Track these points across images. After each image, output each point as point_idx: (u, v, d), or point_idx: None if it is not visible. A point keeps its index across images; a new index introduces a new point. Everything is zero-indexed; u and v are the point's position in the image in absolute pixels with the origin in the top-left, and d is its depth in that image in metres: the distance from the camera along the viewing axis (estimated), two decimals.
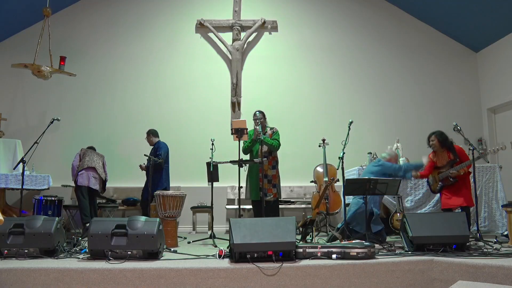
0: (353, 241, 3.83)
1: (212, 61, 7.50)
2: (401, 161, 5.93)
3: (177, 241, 4.68)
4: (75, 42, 7.38)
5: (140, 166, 5.86)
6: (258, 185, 5.11)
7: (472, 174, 4.74)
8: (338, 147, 4.93)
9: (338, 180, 5.07)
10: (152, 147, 6.09)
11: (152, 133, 6.13)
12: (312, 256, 3.45)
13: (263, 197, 4.84)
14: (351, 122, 4.82)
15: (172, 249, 4.11)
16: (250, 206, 6.05)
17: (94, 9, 7.52)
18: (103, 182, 6.03)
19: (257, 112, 5.33)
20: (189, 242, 4.99)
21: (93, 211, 5.91)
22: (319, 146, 5.99)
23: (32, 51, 6.52)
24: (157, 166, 5.68)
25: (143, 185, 6.01)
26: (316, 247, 3.49)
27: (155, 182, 5.68)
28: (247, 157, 5.40)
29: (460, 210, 4.96)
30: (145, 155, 5.62)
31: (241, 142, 4.98)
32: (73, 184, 5.98)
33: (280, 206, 6.55)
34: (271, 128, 5.43)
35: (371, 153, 6.05)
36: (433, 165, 5.09)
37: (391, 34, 7.65)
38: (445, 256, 3.48)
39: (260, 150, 4.90)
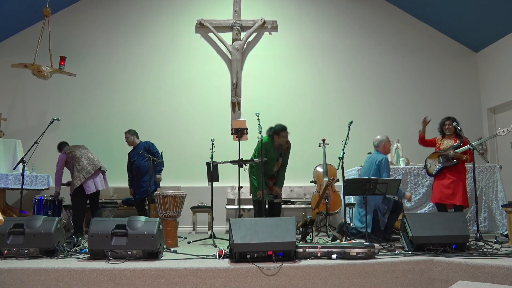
0: (353, 241, 3.84)
1: (212, 61, 7.50)
2: (401, 161, 5.94)
3: (177, 241, 4.68)
4: (75, 42, 7.38)
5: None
6: (269, 191, 5.11)
7: (472, 174, 4.74)
8: (338, 147, 4.93)
9: (338, 180, 5.08)
10: (134, 147, 6.00)
11: (135, 134, 6.05)
12: (312, 256, 3.45)
13: (263, 199, 4.83)
14: (351, 122, 4.83)
15: (172, 249, 4.11)
16: (250, 206, 6.05)
17: (94, 9, 7.52)
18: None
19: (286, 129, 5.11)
20: (189, 242, 4.99)
21: (97, 212, 5.68)
22: (319, 146, 5.99)
23: (32, 51, 6.52)
24: (154, 166, 5.66)
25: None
26: (316, 247, 3.49)
27: (149, 184, 5.63)
28: (247, 157, 5.39)
29: (453, 210, 4.95)
30: (145, 155, 5.61)
31: (242, 142, 4.97)
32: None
33: None
34: (287, 142, 5.25)
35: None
36: (432, 143, 5.14)
37: (391, 34, 7.65)
38: (445, 256, 3.48)
39: (278, 164, 5.09)
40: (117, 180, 6.77)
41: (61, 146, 5.95)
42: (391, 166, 5.85)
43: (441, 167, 4.92)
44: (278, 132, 5.00)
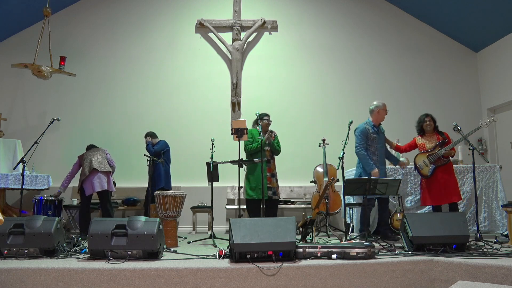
0: (353, 241, 3.84)
1: (212, 61, 7.50)
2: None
3: (177, 241, 4.68)
4: (75, 42, 7.38)
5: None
6: (267, 184, 5.11)
7: (472, 174, 4.74)
8: (338, 147, 4.94)
9: (338, 180, 5.08)
10: None
11: (150, 135, 6.13)
12: (312, 256, 3.45)
13: (263, 196, 4.83)
14: (351, 122, 4.84)
15: (172, 249, 4.11)
16: None
17: (94, 9, 7.52)
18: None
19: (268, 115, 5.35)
20: (189, 242, 4.99)
21: (106, 213, 5.65)
22: (319, 146, 5.99)
23: (32, 51, 6.52)
24: (159, 166, 5.73)
25: (142, 185, 6.03)
26: (316, 247, 3.49)
27: (153, 181, 5.67)
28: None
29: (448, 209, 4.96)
30: (145, 155, 5.62)
31: (242, 142, 4.97)
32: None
33: (280, 206, 6.58)
34: (271, 131, 5.39)
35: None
36: (413, 146, 5.14)
37: (391, 34, 7.65)
38: (445, 256, 3.48)
39: (270, 148, 5.01)
40: (117, 180, 6.77)
41: (87, 149, 5.96)
42: (390, 166, 5.85)
43: (435, 167, 4.90)
44: (262, 117, 5.25)
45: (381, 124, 5.16)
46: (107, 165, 5.65)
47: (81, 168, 5.62)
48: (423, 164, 4.97)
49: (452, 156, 4.92)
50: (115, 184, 5.76)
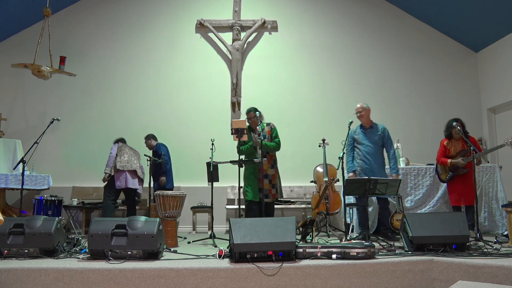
0: (353, 241, 3.84)
1: (212, 61, 7.50)
2: (401, 161, 5.94)
3: (177, 241, 4.68)
4: (75, 42, 7.38)
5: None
6: (258, 185, 4.96)
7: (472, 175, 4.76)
8: (338, 147, 4.94)
9: (338, 180, 5.08)
10: (152, 150, 6.23)
11: (152, 137, 6.27)
12: (312, 256, 3.45)
13: (263, 198, 4.78)
14: (351, 122, 4.84)
15: (172, 249, 4.11)
16: None
17: (94, 9, 7.52)
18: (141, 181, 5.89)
19: (251, 111, 5.04)
20: (189, 242, 4.99)
21: (133, 212, 5.82)
22: (319, 146, 5.98)
23: (32, 51, 6.52)
24: (160, 166, 5.76)
25: (143, 186, 6.03)
26: (316, 247, 3.49)
27: (149, 184, 5.73)
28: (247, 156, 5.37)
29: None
30: (145, 155, 5.63)
31: (237, 142, 4.90)
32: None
33: (280, 206, 6.58)
34: (268, 124, 5.15)
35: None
36: (445, 152, 5.13)
37: (391, 34, 7.65)
38: (445, 256, 3.48)
39: (261, 150, 4.81)
40: None
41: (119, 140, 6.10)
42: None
43: (453, 175, 4.96)
44: (247, 114, 5.16)
45: (372, 125, 5.21)
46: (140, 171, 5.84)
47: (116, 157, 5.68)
48: (442, 169, 5.07)
49: (476, 165, 4.90)
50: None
